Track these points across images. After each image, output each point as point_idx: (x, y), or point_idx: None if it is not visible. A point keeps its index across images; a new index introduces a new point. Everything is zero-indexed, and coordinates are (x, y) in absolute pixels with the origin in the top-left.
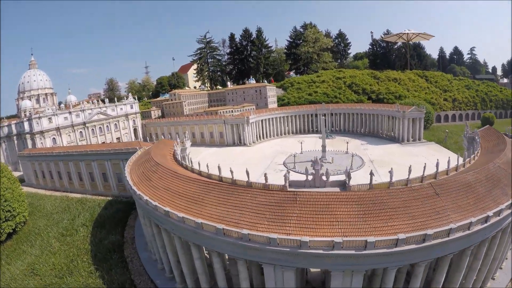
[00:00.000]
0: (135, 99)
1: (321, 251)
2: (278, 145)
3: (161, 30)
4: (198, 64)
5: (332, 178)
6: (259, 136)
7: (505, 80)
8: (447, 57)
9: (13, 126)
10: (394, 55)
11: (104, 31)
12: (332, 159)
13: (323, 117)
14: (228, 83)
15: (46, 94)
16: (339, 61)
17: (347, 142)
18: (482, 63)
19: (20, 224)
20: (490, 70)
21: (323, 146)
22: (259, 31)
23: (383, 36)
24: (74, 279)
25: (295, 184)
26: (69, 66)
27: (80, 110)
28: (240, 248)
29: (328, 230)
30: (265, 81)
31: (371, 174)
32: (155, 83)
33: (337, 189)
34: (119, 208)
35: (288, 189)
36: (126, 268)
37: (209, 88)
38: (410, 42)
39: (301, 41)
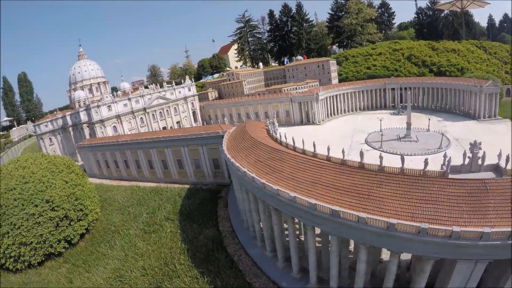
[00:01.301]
0: (192, 81)
1: None
2: (349, 123)
3: (198, 13)
4: (238, 44)
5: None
6: (328, 114)
7: None
8: (497, 25)
9: (68, 117)
10: (441, 24)
11: (139, 18)
12: (417, 137)
13: (409, 92)
14: (271, 61)
15: (98, 83)
16: (383, 32)
17: (429, 119)
18: None
19: (92, 222)
20: None
21: (408, 124)
22: (299, 6)
23: (430, 4)
24: (175, 286)
25: (452, 170)
26: (109, 57)
27: (140, 96)
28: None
29: None
30: (300, 57)
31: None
32: (196, 66)
33: (491, 174)
34: (204, 197)
35: (450, 176)
36: (238, 270)
37: (252, 67)
38: (463, 10)
39: (343, 13)
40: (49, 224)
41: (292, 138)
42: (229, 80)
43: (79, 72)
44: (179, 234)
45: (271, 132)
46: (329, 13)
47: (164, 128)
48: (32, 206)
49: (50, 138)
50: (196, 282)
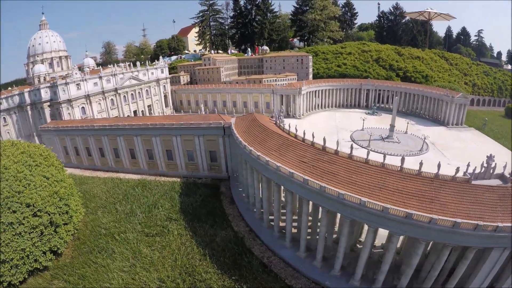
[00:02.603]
0: (163, 62)
1: None
2: (330, 119)
3: None
4: (200, 27)
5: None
6: (308, 108)
7: (510, 67)
8: (454, 36)
9: (26, 95)
10: (401, 30)
11: None
12: (398, 139)
13: (397, 97)
14: (230, 48)
15: (60, 57)
16: (344, 30)
17: (407, 123)
18: (488, 47)
19: (77, 225)
20: (495, 55)
21: (392, 126)
22: None
23: (392, 9)
24: None
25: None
26: (59, 30)
27: (111, 75)
28: None
29: None
30: (266, 47)
31: None
32: (153, 46)
33: (498, 181)
34: (206, 193)
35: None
36: (274, 274)
37: (216, 52)
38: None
39: (308, 8)
40: (32, 235)
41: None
42: (205, 65)
43: (39, 44)
44: (190, 236)
45: (281, 126)
46: (294, 6)
47: (135, 112)
48: (9, 212)
49: (4, 118)
50: None
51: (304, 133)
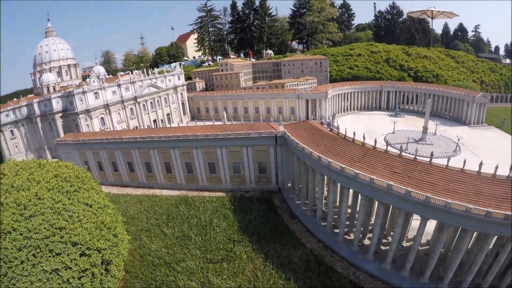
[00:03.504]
0: (180, 68)
1: None
2: (356, 122)
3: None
4: (198, 33)
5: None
6: (333, 112)
7: (508, 61)
8: (451, 33)
9: (35, 106)
10: (398, 29)
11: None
12: (431, 141)
13: (430, 100)
14: (231, 53)
15: (68, 65)
16: (343, 32)
17: (436, 124)
18: (486, 42)
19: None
20: (492, 49)
21: (425, 128)
22: None
23: (389, 8)
24: None
25: None
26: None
27: (130, 82)
28: None
29: None
30: (270, 51)
31: None
32: (153, 53)
33: None
34: (262, 208)
35: None
36: None
37: (209, 58)
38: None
39: (305, 10)
40: (83, 279)
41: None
42: (222, 71)
43: (46, 52)
44: (263, 259)
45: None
46: (291, 9)
47: (154, 121)
48: (52, 256)
49: (11, 131)
50: None
51: (375, 141)
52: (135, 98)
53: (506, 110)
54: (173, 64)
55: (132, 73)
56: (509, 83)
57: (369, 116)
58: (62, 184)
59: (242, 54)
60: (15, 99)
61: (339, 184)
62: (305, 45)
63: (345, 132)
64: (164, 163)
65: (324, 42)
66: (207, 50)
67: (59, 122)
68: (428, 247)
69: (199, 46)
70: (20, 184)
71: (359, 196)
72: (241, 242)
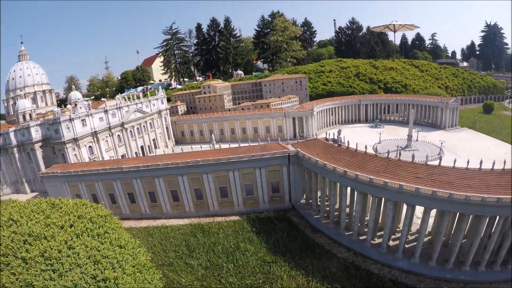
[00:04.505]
0: (162, 92)
1: None
2: (342, 135)
3: (120, 22)
4: (164, 56)
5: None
6: (318, 128)
7: (465, 64)
8: (409, 43)
9: (12, 135)
10: (359, 43)
11: (56, 26)
12: (416, 147)
13: (412, 110)
14: (197, 75)
15: (44, 91)
16: (306, 49)
17: (417, 131)
18: (443, 48)
19: None
20: (449, 55)
21: (409, 136)
22: (227, 21)
23: (349, 24)
24: None
25: None
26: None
27: (116, 108)
28: None
29: None
30: (240, 71)
31: None
32: (118, 78)
33: None
34: (283, 227)
35: None
36: (404, 284)
37: (179, 81)
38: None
39: (269, 30)
40: None
41: None
42: (205, 93)
43: (20, 76)
44: (303, 275)
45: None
46: (255, 29)
47: (141, 147)
48: None
49: None
50: None
51: (388, 152)
52: (122, 124)
53: (473, 111)
54: (139, 88)
55: (115, 98)
56: (472, 86)
57: (352, 129)
58: (90, 227)
59: (203, 77)
60: None
61: (360, 194)
62: (270, 64)
63: (356, 146)
64: (170, 191)
65: (288, 60)
66: (173, 73)
67: (39, 153)
68: (444, 238)
69: (165, 69)
70: (40, 231)
71: (388, 203)
72: (276, 263)
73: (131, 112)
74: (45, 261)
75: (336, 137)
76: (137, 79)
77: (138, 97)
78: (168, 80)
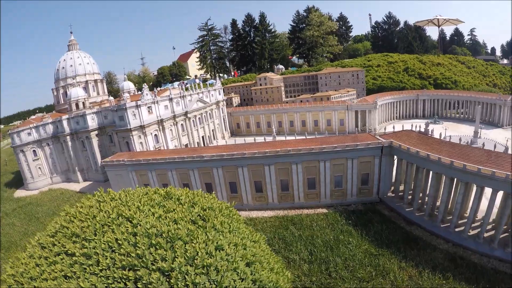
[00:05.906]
0: (217, 81)
1: None
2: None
3: (157, 19)
4: (200, 52)
5: None
6: (379, 122)
7: (505, 61)
8: (447, 38)
9: (65, 123)
10: (396, 38)
11: (94, 23)
12: (481, 144)
13: (479, 106)
14: (232, 70)
15: (95, 80)
16: (343, 44)
17: (480, 128)
18: (482, 44)
19: None
20: (489, 51)
21: (476, 132)
22: (262, 16)
23: (385, 18)
24: None
25: None
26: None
27: (180, 97)
28: None
29: None
30: (281, 65)
31: None
32: (155, 73)
33: None
34: (378, 219)
35: None
36: None
37: (210, 77)
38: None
39: (305, 25)
40: None
41: None
42: (261, 85)
43: (71, 65)
44: (413, 267)
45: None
46: (290, 25)
47: (202, 137)
48: None
49: (34, 151)
50: None
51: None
52: (185, 113)
53: None
54: (175, 83)
55: (181, 87)
56: None
57: (410, 123)
58: (226, 220)
59: (224, 76)
60: (33, 116)
61: (463, 185)
62: (305, 59)
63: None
64: (254, 182)
65: (325, 55)
66: (209, 68)
67: (95, 141)
68: None
69: (201, 65)
70: (175, 231)
71: (497, 193)
72: (383, 255)
73: (193, 102)
74: (196, 270)
75: (424, 130)
76: (173, 74)
77: (199, 86)
78: (204, 75)
